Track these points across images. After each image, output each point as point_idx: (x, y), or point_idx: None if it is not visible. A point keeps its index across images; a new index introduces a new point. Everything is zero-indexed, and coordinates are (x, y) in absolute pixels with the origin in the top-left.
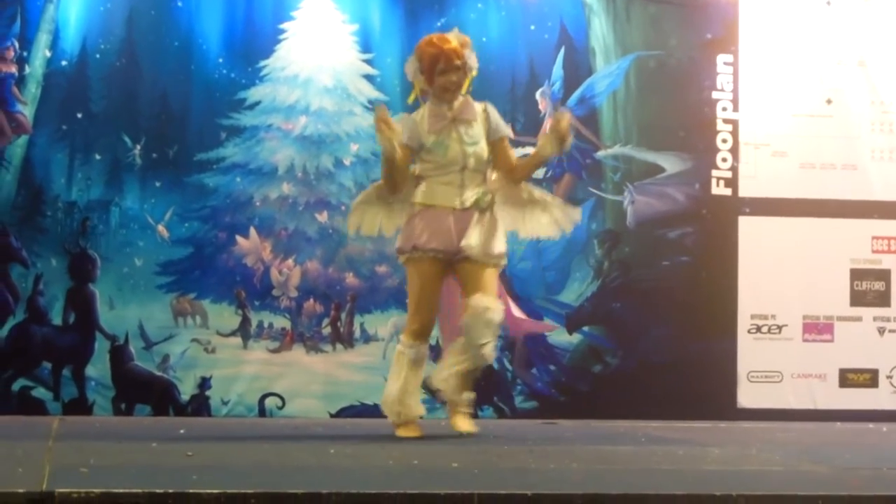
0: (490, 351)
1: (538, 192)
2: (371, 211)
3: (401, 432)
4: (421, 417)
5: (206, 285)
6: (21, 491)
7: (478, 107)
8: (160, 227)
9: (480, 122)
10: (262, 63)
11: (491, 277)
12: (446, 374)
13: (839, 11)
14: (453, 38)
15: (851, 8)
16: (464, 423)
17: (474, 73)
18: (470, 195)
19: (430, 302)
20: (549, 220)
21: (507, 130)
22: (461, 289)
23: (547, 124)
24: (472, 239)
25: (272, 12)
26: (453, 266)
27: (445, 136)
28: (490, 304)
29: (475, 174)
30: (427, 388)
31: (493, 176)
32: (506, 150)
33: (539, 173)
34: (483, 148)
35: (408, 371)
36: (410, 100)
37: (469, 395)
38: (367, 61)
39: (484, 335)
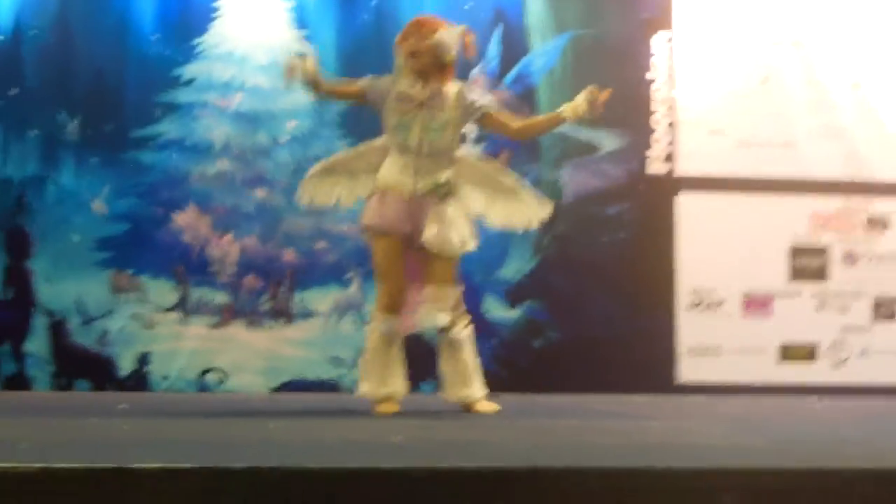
0: (460, 334)
1: (511, 180)
2: (329, 180)
3: (380, 409)
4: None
5: (144, 261)
6: None
7: (451, 90)
8: (97, 203)
9: (452, 108)
10: (197, 40)
11: (446, 267)
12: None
13: None
14: (431, 27)
15: None
16: (484, 406)
17: (448, 57)
18: (425, 183)
19: (395, 275)
20: (521, 210)
21: (485, 103)
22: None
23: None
24: (429, 232)
25: None
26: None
27: (410, 118)
28: (441, 296)
29: (434, 162)
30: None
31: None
32: (495, 120)
33: (477, 148)
34: (448, 136)
35: (381, 345)
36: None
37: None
38: (303, 38)
39: (440, 320)
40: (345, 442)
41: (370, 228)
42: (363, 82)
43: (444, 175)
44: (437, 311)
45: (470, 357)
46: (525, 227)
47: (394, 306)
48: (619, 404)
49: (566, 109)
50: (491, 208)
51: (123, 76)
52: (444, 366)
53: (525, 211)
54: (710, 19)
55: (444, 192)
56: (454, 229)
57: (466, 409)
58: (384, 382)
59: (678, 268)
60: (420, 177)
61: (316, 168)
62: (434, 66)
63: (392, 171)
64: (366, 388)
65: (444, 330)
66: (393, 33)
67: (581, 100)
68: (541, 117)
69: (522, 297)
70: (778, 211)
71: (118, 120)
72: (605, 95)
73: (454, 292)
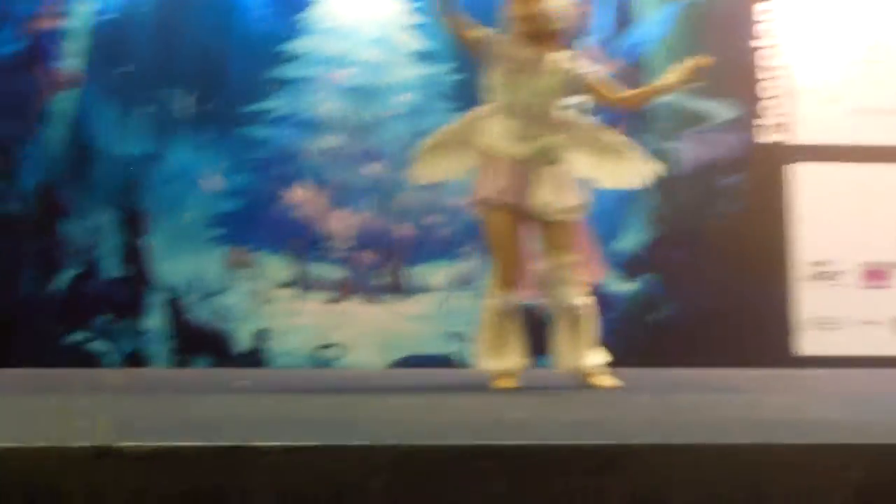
0: (581, 304)
1: (617, 139)
2: (439, 155)
3: (498, 383)
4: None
5: (259, 237)
6: (84, 445)
7: (557, 57)
8: (211, 180)
9: (556, 74)
10: (303, 14)
11: (565, 232)
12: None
13: None
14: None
15: None
16: (605, 381)
17: (556, 25)
18: (532, 147)
19: (510, 252)
20: (629, 170)
21: (586, 71)
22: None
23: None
24: (540, 197)
25: None
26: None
27: (515, 81)
28: (566, 261)
29: (539, 126)
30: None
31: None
32: (599, 87)
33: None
34: (553, 101)
35: (498, 320)
36: None
37: (597, 358)
38: (413, 10)
39: (567, 295)
40: (462, 418)
41: (483, 202)
42: (481, 33)
43: (551, 139)
44: (558, 283)
45: (586, 327)
46: (634, 187)
47: (510, 282)
48: (738, 379)
49: (668, 78)
50: (599, 169)
51: (231, 52)
52: (561, 336)
53: (633, 170)
54: None
55: (551, 157)
56: (564, 193)
57: (586, 381)
58: (502, 358)
59: (795, 239)
60: (526, 141)
61: (424, 145)
62: (542, 32)
63: (497, 134)
64: (484, 364)
65: (566, 302)
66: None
67: (683, 68)
68: (643, 87)
69: (640, 269)
70: (895, 180)
71: (229, 96)
72: (705, 62)
73: (573, 260)
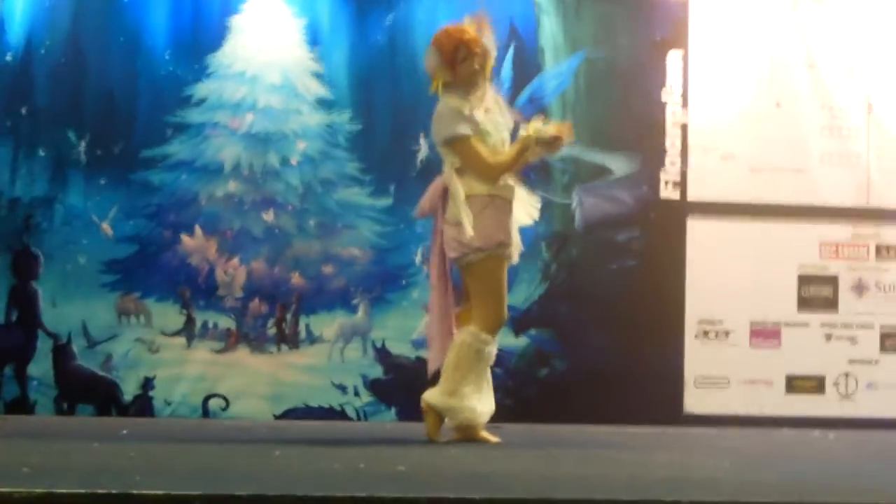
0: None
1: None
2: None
3: (483, 435)
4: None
5: (150, 284)
6: None
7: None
8: (104, 225)
9: (503, 109)
10: (208, 59)
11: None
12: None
13: (789, 14)
14: (470, 26)
15: (802, 11)
16: (487, 436)
17: (493, 54)
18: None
19: (505, 297)
20: (521, 210)
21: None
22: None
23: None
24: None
25: (220, 7)
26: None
27: (486, 123)
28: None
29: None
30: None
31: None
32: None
33: None
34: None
35: (484, 366)
36: (431, 91)
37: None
38: (315, 59)
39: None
40: (350, 470)
41: (500, 246)
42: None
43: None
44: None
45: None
46: (523, 225)
47: (499, 328)
48: (627, 436)
49: (529, 129)
50: None
51: (134, 96)
52: None
53: (526, 209)
54: (723, 41)
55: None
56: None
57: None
58: (483, 401)
59: (686, 296)
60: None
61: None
62: (485, 66)
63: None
64: (467, 407)
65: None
66: (406, 53)
67: (549, 126)
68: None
69: (529, 325)
70: (787, 238)
71: (128, 140)
72: (567, 130)
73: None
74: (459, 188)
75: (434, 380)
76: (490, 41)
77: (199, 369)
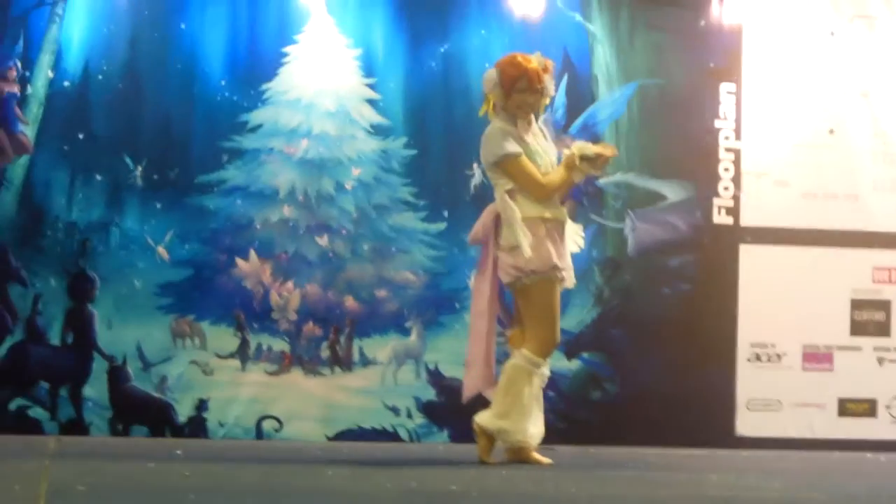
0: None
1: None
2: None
3: (535, 457)
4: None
5: (205, 307)
6: None
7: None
8: (160, 249)
9: (548, 138)
10: (264, 86)
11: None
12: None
13: (842, 42)
14: (536, 61)
15: (855, 38)
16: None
17: (548, 99)
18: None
19: (558, 322)
20: (568, 238)
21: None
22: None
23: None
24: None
25: (275, 35)
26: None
27: (534, 145)
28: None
29: None
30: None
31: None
32: None
33: None
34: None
35: (537, 391)
36: (481, 113)
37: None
38: (370, 86)
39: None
40: (402, 490)
41: (554, 269)
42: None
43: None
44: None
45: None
46: (571, 252)
47: (551, 352)
48: (678, 458)
49: (572, 147)
50: None
51: (190, 121)
52: None
53: (571, 237)
54: (777, 69)
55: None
56: None
57: (517, 457)
58: (536, 425)
59: (739, 320)
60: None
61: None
62: (537, 105)
63: (548, 201)
64: (520, 430)
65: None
66: (459, 80)
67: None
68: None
69: (581, 348)
70: (840, 264)
71: (184, 165)
72: (611, 151)
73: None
74: (515, 210)
75: (487, 402)
76: (550, 85)
77: (253, 391)
